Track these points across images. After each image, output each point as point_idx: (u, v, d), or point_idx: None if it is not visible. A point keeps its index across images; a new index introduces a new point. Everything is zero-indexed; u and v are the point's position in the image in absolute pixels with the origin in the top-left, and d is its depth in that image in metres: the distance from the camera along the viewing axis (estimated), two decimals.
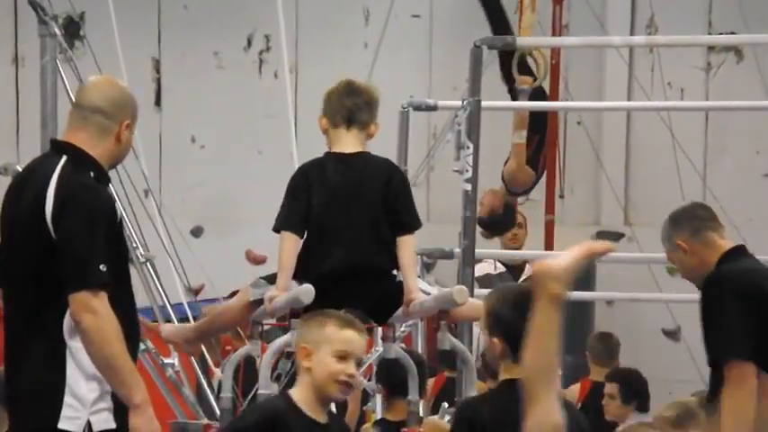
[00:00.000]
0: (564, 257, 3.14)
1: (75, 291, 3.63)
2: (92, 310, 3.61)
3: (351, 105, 4.64)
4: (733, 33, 9.40)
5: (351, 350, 3.66)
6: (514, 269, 8.35)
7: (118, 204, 3.92)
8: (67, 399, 3.66)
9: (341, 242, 4.53)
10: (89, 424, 3.66)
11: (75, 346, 3.68)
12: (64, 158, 3.79)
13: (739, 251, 4.62)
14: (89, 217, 3.67)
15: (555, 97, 8.43)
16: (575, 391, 7.93)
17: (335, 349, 3.66)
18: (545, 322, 3.13)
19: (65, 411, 3.65)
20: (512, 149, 7.93)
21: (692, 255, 4.63)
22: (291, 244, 4.59)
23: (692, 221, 4.67)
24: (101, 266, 3.63)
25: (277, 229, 4.61)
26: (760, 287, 4.45)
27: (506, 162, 8.06)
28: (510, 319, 3.50)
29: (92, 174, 3.76)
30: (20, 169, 6.18)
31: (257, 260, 9.63)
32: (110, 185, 3.90)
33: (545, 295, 3.11)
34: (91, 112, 3.83)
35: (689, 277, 4.67)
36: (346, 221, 4.54)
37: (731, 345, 4.38)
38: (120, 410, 3.68)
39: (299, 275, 4.56)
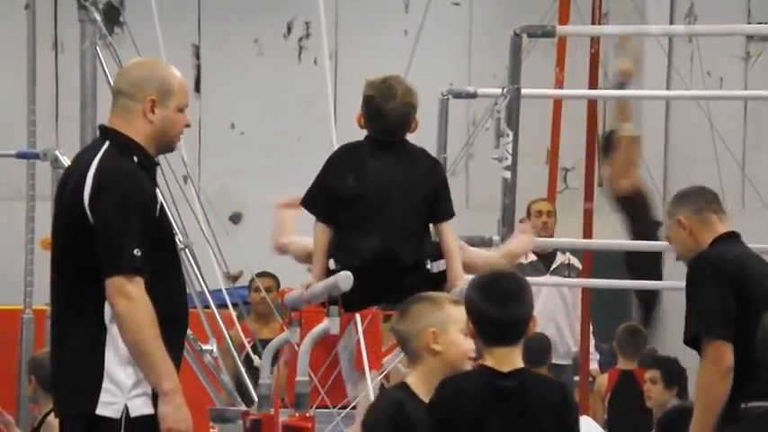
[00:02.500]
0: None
1: (110, 276, 3.62)
2: (125, 294, 3.61)
3: (390, 110, 4.65)
4: None
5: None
6: (545, 257, 8.34)
7: (159, 190, 3.90)
8: (106, 384, 3.66)
9: (376, 228, 4.54)
10: (127, 409, 3.64)
11: (115, 331, 3.69)
12: (107, 144, 3.80)
13: (732, 237, 4.66)
14: (124, 202, 3.65)
15: (594, 86, 8.39)
16: (603, 380, 7.93)
17: (462, 327, 3.67)
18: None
19: (103, 397, 3.65)
20: (618, 143, 7.70)
21: (689, 232, 4.66)
22: (324, 231, 4.60)
23: (696, 200, 4.72)
24: (135, 251, 3.61)
25: (304, 204, 4.62)
26: (743, 271, 4.48)
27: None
28: (477, 303, 3.55)
29: (135, 158, 3.74)
30: (59, 154, 6.24)
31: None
32: (157, 169, 3.86)
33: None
34: (116, 95, 3.84)
35: (682, 255, 4.71)
36: (382, 208, 4.54)
37: (709, 323, 4.42)
38: (158, 396, 3.69)
39: (338, 260, 4.57)
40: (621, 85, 7.61)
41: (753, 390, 4.39)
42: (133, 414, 3.66)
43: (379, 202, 4.55)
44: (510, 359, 3.52)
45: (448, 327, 3.68)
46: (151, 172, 3.80)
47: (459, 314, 3.67)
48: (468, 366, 3.67)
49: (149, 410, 3.67)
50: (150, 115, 3.77)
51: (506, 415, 3.47)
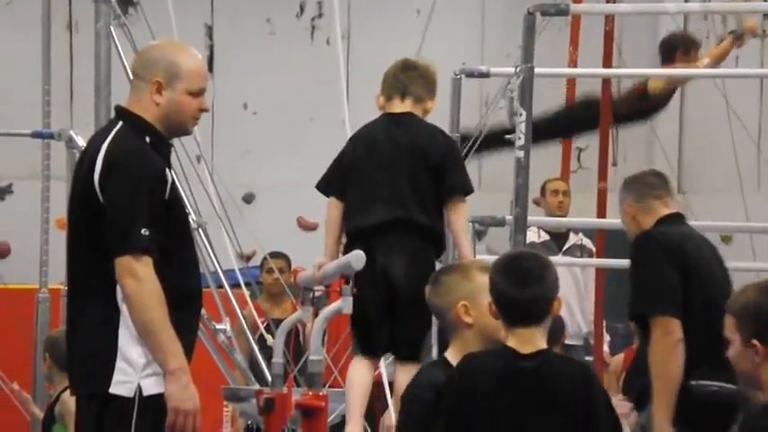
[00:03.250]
0: None
1: (118, 255, 3.64)
2: (133, 274, 3.62)
3: (405, 79, 4.66)
4: None
5: None
6: (559, 237, 8.32)
7: (172, 170, 3.89)
8: (119, 363, 3.68)
9: (382, 196, 4.54)
10: (140, 388, 3.67)
11: (127, 311, 3.71)
12: (120, 124, 3.81)
13: (675, 218, 4.70)
14: (132, 182, 3.66)
15: (608, 64, 8.36)
16: (619, 360, 7.93)
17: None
18: None
19: (116, 376, 3.67)
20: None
21: (632, 219, 4.72)
22: (337, 211, 4.61)
23: (639, 188, 4.77)
24: (142, 231, 3.62)
25: (319, 188, 4.63)
26: (684, 249, 4.51)
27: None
28: (497, 283, 3.52)
29: (148, 138, 3.75)
30: (73, 134, 6.26)
31: (308, 227, 9.67)
32: (170, 150, 3.83)
33: None
34: (132, 76, 3.87)
35: (631, 240, 4.79)
36: (387, 174, 4.54)
37: (656, 301, 4.44)
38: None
39: (349, 228, 4.58)
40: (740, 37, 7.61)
41: (700, 368, 4.41)
42: (146, 393, 3.68)
43: (385, 166, 4.55)
44: (532, 340, 3.48)
45: (479, 298, 3.59)
46: (164, 152, 3.79)
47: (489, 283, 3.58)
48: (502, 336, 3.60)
49: (162, 389, 3.68)
50: (156, 97, 3.76)
51: (524, 396, 3.43)
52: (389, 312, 4.65)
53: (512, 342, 3.49)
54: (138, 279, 3.62)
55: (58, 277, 6.89)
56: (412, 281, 4.54)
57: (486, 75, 6.60)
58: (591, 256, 8.30)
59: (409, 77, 4.66)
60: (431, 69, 4.70)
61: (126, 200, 3.66)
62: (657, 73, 9.21)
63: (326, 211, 4.63)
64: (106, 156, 3.73)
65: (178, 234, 3.76)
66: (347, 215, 4.63)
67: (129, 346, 3.69)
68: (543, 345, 3.50)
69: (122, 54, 5.84)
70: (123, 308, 3.70)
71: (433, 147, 4.59)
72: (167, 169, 3.74)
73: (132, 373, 3.68)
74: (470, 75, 6.58)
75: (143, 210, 3.65)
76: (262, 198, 10.33)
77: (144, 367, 3.68)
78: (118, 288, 3.70)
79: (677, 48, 7.42)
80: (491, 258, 4.61)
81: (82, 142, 6.18)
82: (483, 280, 3.60)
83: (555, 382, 3.44)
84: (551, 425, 3.43)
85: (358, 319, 4.63)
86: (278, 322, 5.98)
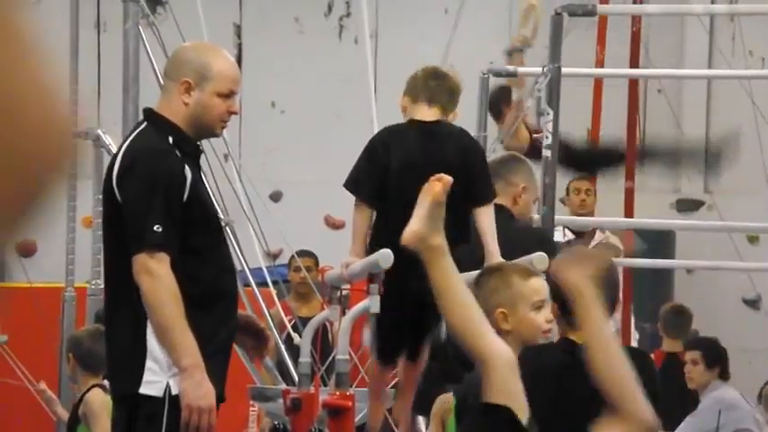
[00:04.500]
0: (416, 216, 3.19)
1: (135, 253, 3.64)
2: (148, 271, 3.61)
3: (434, 86, 4.66)
4: None
5: (544, 298, 3.56)
6: (584, 236, 8.31)
7: (201, 171, 3.88)
8: (149, 363, 3.68)
9: (413, 202, 4.54)
10: (169, 387, 3.67)
11: None
12: (144, 125, 3.83)
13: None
14: (148, 180, 3.65)
15: (635, 65, 8.34)
16: None
17: (532, 302, 3.54)
18: (441, 277, 3.15)
19: (146, 376, 3.67)
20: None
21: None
22: (364, 212, 4.60)
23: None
24: (155, 227, 3.61)
25: (347, 186, 4.62)
26: None
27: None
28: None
29: (171, 138, 3.74)
30: (101, 134, 6.27)
31: (336, 225, 9.67)
32: (197, 149, 3.82)
33: (429, 254, 3.15)
34: (162, 77, 3.88)
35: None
36: (418, 182, 4.53)
37: None
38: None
39: (378, 242, 4.57)
40: (515, 51, 7.54)
41: None
42: (175, 392, 3.68)
43: (421, 181, 4.54)
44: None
45: (517, 305, 3.54)
46: (188, 151, 3.78)
47: (528, 289, 3.55)
48: (542, 341, 3.60)
49: None
50: (185, 97, 3.76)
51: (584, 384, 3.41)
52: (414, 327, 4.65)
53: (572, 336, 3.55)
54: (153, 276, 3.62)
55: (84, 276, 6.91)
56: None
57: (513, 74, 6.60)
58: (618, 253, 8.28)
59: (439, 86, 4.66)
60: (458, 81, 4.71)
61: (140, 198, 3.66)
62: (683, 74, 9.19)
63: (354, 212, 4.62)
64: (124, 155, 3.75)
65: (205, 234, 3.75)
66: (378, 230, 4.61)
67: (157, 346, 3.70)
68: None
69: (150, 53, 5.85)
70: None
71: (467, 161, 4.59)
72: (186, 167, 3.71)
73: (161, 372, 3.68)
74: (498, 74, 6.59)
75: (157, 207, 3.64)
76: (289, 196, 10.34)
77: (172, 366, 3.69)
78: None
79: (501, 101, 7.35)
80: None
81: (109, 141, 6.19)
82: (523, 287, 3.56)
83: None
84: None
85: (380, 329, 4.63)
86: (305, 321, 5.98)
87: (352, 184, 4.66)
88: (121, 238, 3.70)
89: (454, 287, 3.15)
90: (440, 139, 4.62)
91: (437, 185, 3.21)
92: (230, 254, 3.89)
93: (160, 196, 3.65)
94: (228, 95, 3.79)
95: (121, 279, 3.72)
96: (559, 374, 3.50)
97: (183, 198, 3.69)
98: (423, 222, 3.16)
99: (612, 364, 3.14)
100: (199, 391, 3.61)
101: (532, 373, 3.42)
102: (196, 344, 3.63)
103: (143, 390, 3.68)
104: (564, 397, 3.47)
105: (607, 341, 3.17)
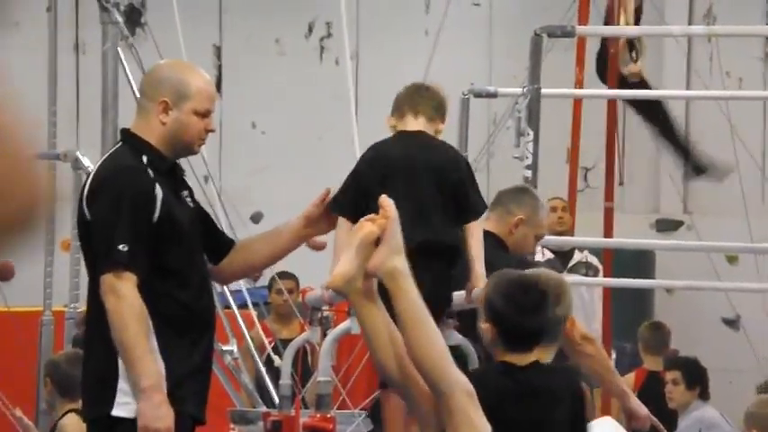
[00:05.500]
0: (344, 258, 3.16)
1: (101, 272, 3.63)
2: (113, 290, 3.60)
3: (418, 97, 4.65)
4: None
5: None
6: (563, 255, 8.31)
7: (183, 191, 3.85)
8: (121, 384, 3.66)
9: (404, 221, 4.50)
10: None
11: None
12: (119, 145, 3.81)
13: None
14: (114, 199, 3.65)
15: (614, 85, 8.37)
16: (630, 380, 7.91)
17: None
18: (404, 309, 3.13)
19: (119, 398, 3.65)
20: None
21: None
22: (346, 229, 4.57)
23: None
24: (120, 247, 3.60)
25: (332, 208, 4.59)
26: None
27: None
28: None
29: (145, 158, 3.72)
30: (79, 156, 6.25)
31: (317, 246, 9.65)
32: (173, 167, 3.80)
33: (358, 298, 3.13)
34: (139, 96, 3.86)
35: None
36: (408, 197, 4.50)
37: None
38: (172, 396, 3.68)
39: None
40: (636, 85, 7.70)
41: None
42: None
43: (404, 186, 4.51)
44: (528, 356, 3.56)
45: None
46: (164, 172, 3.76)
47: None
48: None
49: None
50: (163, 116, 3.75)
51: (524, 406, 3.51)
52: None
53: (508, 358, 3.56)
54: (117, 296, 3.60)
55: (62, 300, 6.87)
56: (435, 304, 4.52)
57: (493, 95, 6.62)
58: (597, 273, 8.28)
59: (422, 97, 4.65)
60: (442, 93, 4.71)
61: (106, 216, 3.65)
62: (661, 95, 9.21)
63: (336, 231, 4.60)
64: (94, 175, 3.74)
65: (179, 253, 3.72)
66: None
67: None
68: (536, 357, 3.56)
69: (130, 75, 5.84)
70: None
71: (450, 164, 4.57)
72: (158, 186, 3.69)
73: (133, 392, 3.66)
74: (478, 95, 6.60)
75: (123, 226, 3.63)
76: (270, 217, 10.31)
77: None
78: None
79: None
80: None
81: (88, 163, 6.17)
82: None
83: (550, 393, 3.53)
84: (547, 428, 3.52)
85: None
86: (286, 343, 5.95)
87: (332, 203, 4.63)
88: (93, 258, 3.68)
89: (417, 319, 3.14)
90: (421, 146, 4.60)
91: (367, 226, 3.16)
92: (208, 275, 3.85)
93: (127, 215, 3.63)
94: (206, 114, 3.78)
95: (96, 300, 3.71)
96: (501, 399, 3.51)
97: (153, 217, 3.66)
98: (350, 265, 3.11)
99: (422, 342, 3.14)
100: (156, 412, 3.59)
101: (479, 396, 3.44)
102: (158, 366, 3.62)
103: (115, 412, 3.65)
104: (507, 422, 3.46)
105: (418, 318, 3.16)
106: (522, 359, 3.54)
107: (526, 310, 3.51)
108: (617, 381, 4.97)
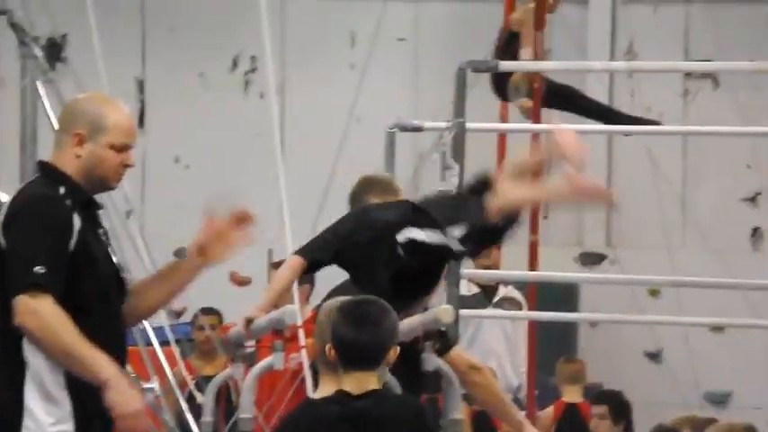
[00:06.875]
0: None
1: (15, 295, 3.56)
2: (31, 311, 3.54)
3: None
4: (709, 60, 9.49)
5: None
6: (488, 290, 8.35)
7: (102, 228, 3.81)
8: (26, 422, 3.61)
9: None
10: None
11: (35, 365, 3.62)
12: (36, 176, 3.78)
13: None
14: (32, 225, 3.60)
15: (538, 120, 8.44)
16: (549, 413, 7.96)
17: None
18: None
19: None
20: None
21: None
22: (299, 271, 4.50)
23: None
24: (36, 268, 3.55)
25: (300, 253, 4.50)
26: None
27: None
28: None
29: (62, 189, 3.68)
30: None
31: (241, 282, 9.59)
32: (89, 198, 3.76)
33: None
34: (56, 129, 3.84)
35: None
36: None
37: None
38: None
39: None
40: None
41: None
42: None
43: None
44: (366, 383, 3.61)
45: None
46: (81, 201, 3.71)
47: None
48: None
49: None
50: (77, 149, 3.72)
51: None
52: None
53: (347, 386, 3.61)
54: (36, 314, 3.54)
55: None
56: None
57: (419, 129, 6.65)
58: (519, 308, 8.31)
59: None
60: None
61: (23, 242, 3.59)
62: (583, 130, 9.29)
63: (288, 265, 4.52)
64: (10, 205, 3.70)
65: (92, 289, 3.68)
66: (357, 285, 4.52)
67: (36, 404, 3.61)
68: (376, 386, 3.62)
69: (50, 110, 5.78)
70: (32, 363, 3.62)
71: None
72: (75, 216, 3.65)
73: (39, 430, 3.60)
74: (404, 129, 6.63)
75: (41, 250, 3.58)
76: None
77: (52, 425, 3.61)
78: (24, 343, 3.62)
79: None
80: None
81: (5, 198, 6.08)
82: None
83: (386, 421, 3.58)
84: None
85: None
86: (210, 380, 5.90)
87: (307, 250, 4.52)
88: (5, 289, 3.61)
89: None
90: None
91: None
92: (122, 315, 3.81)
93: (45, 240, 3.59)
94: (122, 148, 3.75)
95: (3, 335, 3.64)
96: (335, 427, 3.56)
97: (69, 246, 3.62)
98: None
99: None
100: (125, 397, 3.58)
101: (308, 426, 3.53)
102: (106, 356, 3.58)
103: None
104: None
105: None
106: (357, 385, 3.60)
107: (361, 327, 3.61)
108: (511, 411, 4.89)
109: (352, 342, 3.60)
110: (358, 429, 3.57)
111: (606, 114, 8.29)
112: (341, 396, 3.60)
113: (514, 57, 7.85)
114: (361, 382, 3.60)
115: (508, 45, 8.04)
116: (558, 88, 8.13)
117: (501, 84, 7.26)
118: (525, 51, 7.92)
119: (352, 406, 3.58)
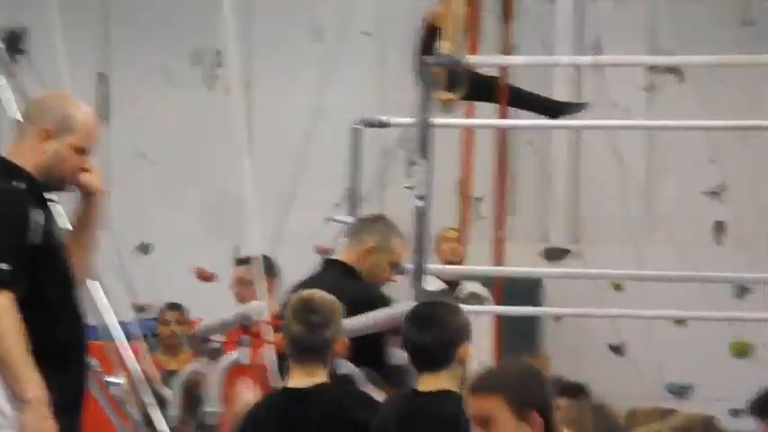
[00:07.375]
0: None
1: None
2: None
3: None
4: (673, 55, 9.54)
5: None
6: (451, 285, 8.37)
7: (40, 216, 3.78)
8: None
9: None
10: None
11: None
12: None
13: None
14: None
15: (504, 116, 8.45)
16: None
17: None
18: None
19: None
20: None
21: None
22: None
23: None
24: (2, 266, 3.54)
25: None
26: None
27: None
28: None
29: (23, 185, 3.67)
30: None
31: (206, 277, 9.58)
32: (53, 199, 3.76)
33: None
34: (21, 121, 3.82)
35: None
36: None
37: None
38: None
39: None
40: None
41: None
42: None
43: None
44: (312, 375, 3.82)
45: None
46: (39, 195, 3.71)
47: None
48: None
49: None
50: (42, 144, 3.71)
51: (305, 425, 3.74)
52: None
53: (295, 379, 3.80)
54: None
55: None
56: None
57: (385, 125, 6.63)
58: (482, 303, 8.34)
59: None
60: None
61: None
62: (550, 125, 9.34)
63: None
64: None
65: (53, 283, 3.68)
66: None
67: (1, 402, 3.59)
68: (324, 379, 3.82)
69: (10, 102, 5.73)
70: None
71: None
72: (38, 211, 3.64)
73: (7, 427, 3.58)
74: (370, 125, 6.60)
75: (3, 246, 3.57)
76: (159, 248, 10.20)
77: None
78: None
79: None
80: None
81: None
82: None
83: (328, 411, 3.77)
84: None
85: None
86: (174, 374, 5.89)
87: None
88: None
89: None
90: None
91: None
92: (82, 310, 3.80)
93: (7, 236, 3.58)
94: (83, 151, 3.77)
95: None
96: (282, 420, 3.76)
97: (31, 241, 3.62)
98: None
99: None
100: (42, 424, 3.55)
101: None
102: (39, 378, 3.56)
103: None
104: None
105: None
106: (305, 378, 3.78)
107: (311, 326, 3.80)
108: None
109: (299, 340, 3.85)
110: (305, 418, 3.75)
111: (531, 102, 8.30)
112: (286, 390, 3.79)
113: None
114: (308, 375, 3.76)
115: (431, 39, 8.06)
116: (480, 80, 8.12)
117: (425, 76, 7.18)
118: (444, 45, 7.93)
119: (299, 398, 3.80)
